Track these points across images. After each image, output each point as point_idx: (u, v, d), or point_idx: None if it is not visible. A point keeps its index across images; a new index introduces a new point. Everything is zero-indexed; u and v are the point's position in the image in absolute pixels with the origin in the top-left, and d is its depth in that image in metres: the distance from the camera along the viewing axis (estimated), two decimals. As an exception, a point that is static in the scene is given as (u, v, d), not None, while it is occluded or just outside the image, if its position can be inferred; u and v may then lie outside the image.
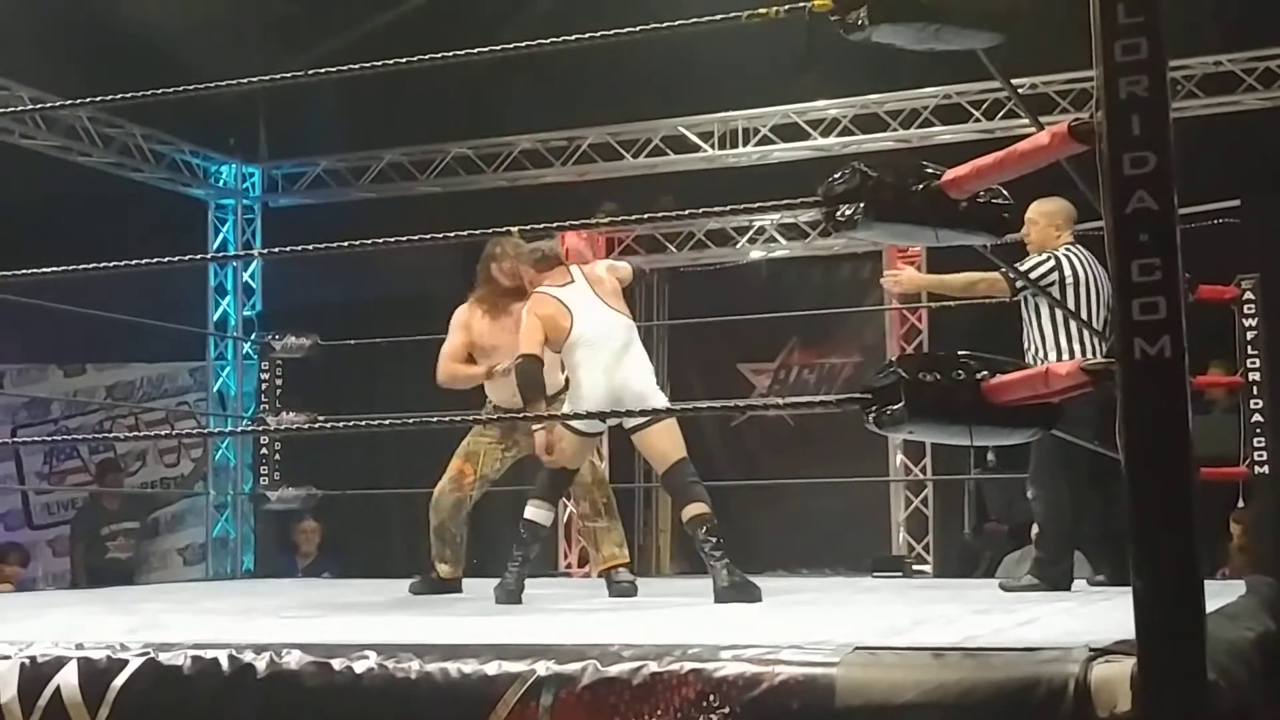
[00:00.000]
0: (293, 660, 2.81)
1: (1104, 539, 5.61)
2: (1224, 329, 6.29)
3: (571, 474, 5.41)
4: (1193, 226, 2.72)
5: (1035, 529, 5.87)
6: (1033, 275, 5.46)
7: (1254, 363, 6.28)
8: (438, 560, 5.98)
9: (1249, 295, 6.27)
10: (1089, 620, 3.69)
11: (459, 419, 3.75)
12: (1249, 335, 6.28)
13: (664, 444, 5.10)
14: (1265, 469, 6.20)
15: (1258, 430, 6.23)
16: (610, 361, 5.12)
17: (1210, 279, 5.90)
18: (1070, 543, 5.57)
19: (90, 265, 3.69)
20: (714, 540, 4.92)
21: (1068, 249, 5.58)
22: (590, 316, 5.18)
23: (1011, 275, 5.41)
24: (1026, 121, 4.39)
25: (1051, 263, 5.53)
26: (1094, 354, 5.23)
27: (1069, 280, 5.48)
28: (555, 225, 5.05)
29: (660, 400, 5.32)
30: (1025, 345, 5.54)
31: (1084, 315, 5.43)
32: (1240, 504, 6.50)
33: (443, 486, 5.96)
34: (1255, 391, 6.25)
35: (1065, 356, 5.29)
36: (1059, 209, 5.65)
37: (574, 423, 5.17)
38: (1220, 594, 4.08)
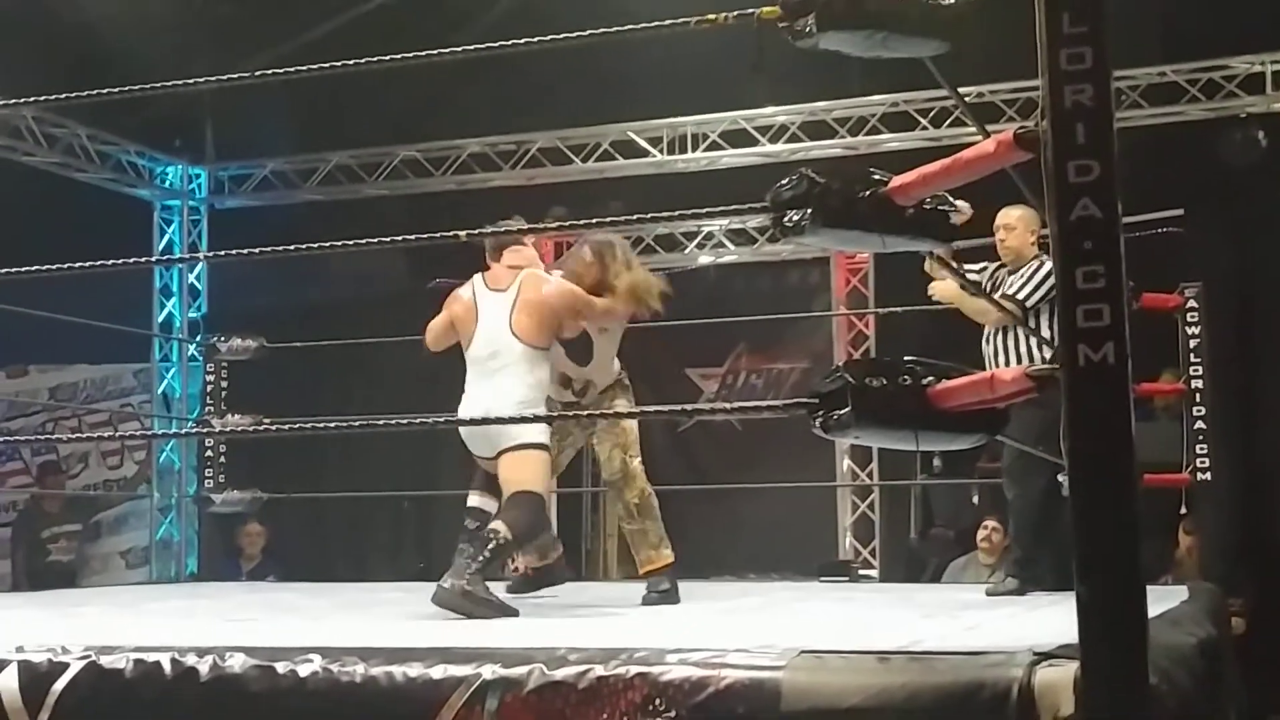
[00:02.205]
0: (236, 664, 2.79)
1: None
2: (1176, 337, 6.34)
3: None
4: (1137, 235, 2.74)
5: (1012, 529, 5.82)
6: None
7: (1197, 370, 6.35)
8: (522, 556, 5.47)
9: (1192, 304, 6.34)
10: (1033, 625, 3.72)
11: (405, 423, 3.74)
12: (1192, 343, 6.34)
13: (510, 474, 4.78)
14: (1208, 476, 6.26)
15: (1201, 437, 6.28)
16: (476, 382, 4.94)
17: (1154, 288, 5.95)
18: (1044, 540, 5.49)
19: (34, 268, 3.64)
20: (475, 547, 4.58)
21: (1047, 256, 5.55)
22: (483, 334, 4.97)
23: (1020, 300, 5.41)
24: (973, 129, 4.42)
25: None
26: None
27: None
28: (503, 230, 5.06)
29: (520, 431, 4.74)
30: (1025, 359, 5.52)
31: None
32: (1184, 511, 6.54)
33: None
34: (1198, 399, 6.32)
35: None
36: (1034, 214, 5.52)
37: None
38: (1163, 599, 4.12)
